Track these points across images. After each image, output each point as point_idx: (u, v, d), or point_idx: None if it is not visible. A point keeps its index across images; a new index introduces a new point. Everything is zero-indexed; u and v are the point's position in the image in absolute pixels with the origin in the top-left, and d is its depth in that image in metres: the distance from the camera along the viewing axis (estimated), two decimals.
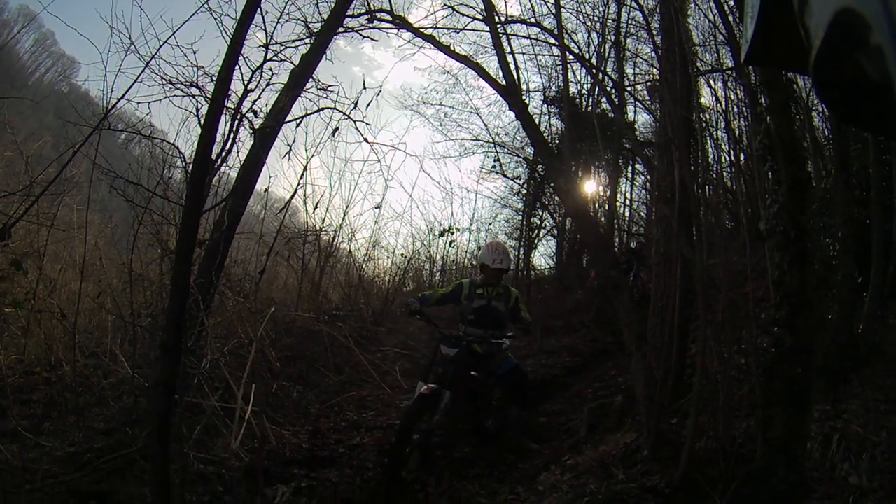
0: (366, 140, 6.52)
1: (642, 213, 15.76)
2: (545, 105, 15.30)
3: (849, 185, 6.02)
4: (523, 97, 6.57)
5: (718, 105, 12.57)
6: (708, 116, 12.95)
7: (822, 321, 5.20)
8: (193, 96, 5.11)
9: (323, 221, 10.21)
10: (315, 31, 6.39)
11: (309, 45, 6.28)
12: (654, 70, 11.85)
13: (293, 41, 6.04)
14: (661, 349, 4.51)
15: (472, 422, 5.72)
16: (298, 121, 6.30)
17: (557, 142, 14.16)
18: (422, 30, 6.90)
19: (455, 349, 5.52)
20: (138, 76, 4.64)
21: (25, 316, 5.97)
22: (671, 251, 4.82)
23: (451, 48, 6.61)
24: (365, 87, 6.11)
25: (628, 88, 13.85)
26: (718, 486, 3.46)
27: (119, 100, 4.78)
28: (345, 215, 10.83)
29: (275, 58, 5.07)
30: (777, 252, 3.70)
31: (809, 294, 3.54)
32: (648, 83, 13.07)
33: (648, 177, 13.19)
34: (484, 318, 5.86)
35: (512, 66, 6.14)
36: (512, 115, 6.40)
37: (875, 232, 5.46)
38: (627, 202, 16.74)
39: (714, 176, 10.98)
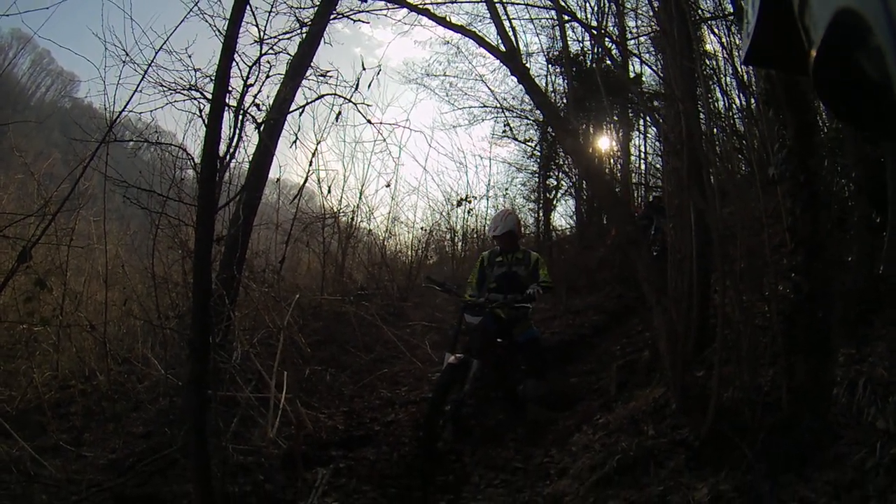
0: (369, 122, 6.51)
1: (658, 166, 15.57)
2: (549, 65, 15.17)
3: None
4: (524, 62, 6.52)
5: (724, 51, 12.38)
6: (715, 63, 12.78)
7: (842, 264, 5.14)
8: (195, 98, 5.16)
9: (340, 203, 10.29)
10: (305, 21, 6.37)
11: (304, 35, 6.29)
12: (654, 23, 11.68)
13: (286, 33, 6.02)
14: (681, 302, 4.51)
15: (501, 389, 5.79)
16: (300, 110, 6.32)
17: (565, 101, 13.99)
18: (417, 4, 6.82)
19: (478, 317, 5.55)
20: (137, 86, 4.71)
21: (55, 332, 6.08)
22: (684, 203, 4.80)
23: (448, 19, 6.53)
24: (364, 69, 6.07)
25: (631, 42, 13.69)
26: (746, 436, 3.48)
27: (121, 112, 4.85)
28: (361, 195, 10.90)
29: (270, 51, 5.08)
30: (789, 198, 3.66)
31: (824, 238, 3.50)
32: (652, 34, 12.90)
33: (656, 131, 13.05)
34: (505, 284, 5.89)
35: (510, 32, 6.07)
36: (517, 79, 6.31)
37: (889, 170, 5.37)
38: (642, 155, 16.59)
39: (724, 123, 10.83)
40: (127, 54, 5.22)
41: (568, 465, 4.34)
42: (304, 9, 6.64)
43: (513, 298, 5.68)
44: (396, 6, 7.16)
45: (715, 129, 6.72)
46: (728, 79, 12.83)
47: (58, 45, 5.96)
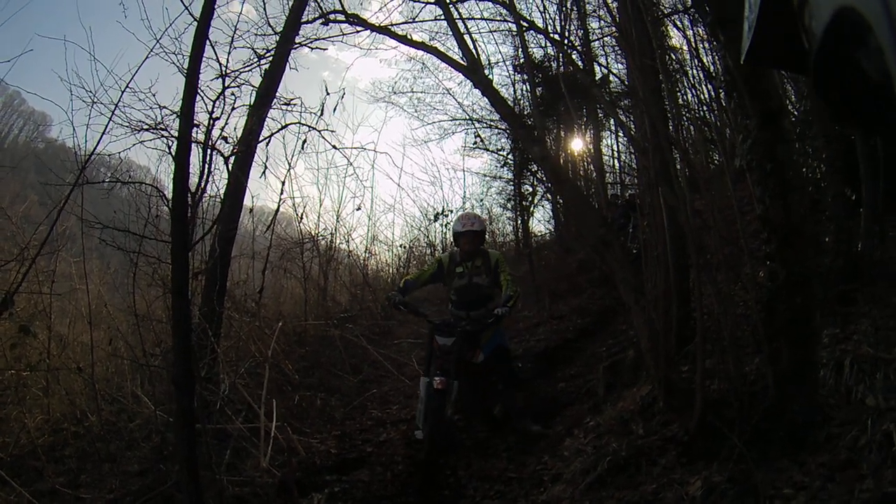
0: (335, 147, 6.59)
1: (632, 164, 15.71)
2: (516, 73, 15.27)
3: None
4: (488, 72, 6.60)
5: (689, 45, 12.54)
6: (681, 56, 12.93)
7: (819, 246, 5.19)
8: (163, 137, 5.17)
9: (317, 226, 10.32)
10: (262, 54, 6.43)
11: (267, 66, 6.33)
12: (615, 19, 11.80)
13: (245, 67, 6.08)
14: (659, 300, 4.54)
15: (479, 410, 5.76)
16: (266, 140, 6.36)
17: (532, 108, 14.11)
18: (377, 24, 6.88)
19: (450, 338, 5.32)
20: (105, 129, 4.73)
21: (44, 376, 6.06)
22: (655, 201, 4.84)
23: (409, 36, 6.61)
24: (329, 93, 6.16)
25: (596, 42, 13.82)
26: (735, 426, 3.51)
27: (91, 155, 4.87)
28: (338, 217, 10.93)
29: (233, 84, 5.11)
30: (758, 186, 3.71)
31: (797, 224, 3.53)
32: (614, 35, 13.03)
33: (623, 131, 13.17)
34: (466, 297, 5.79)
35: (471, 45, 6.12)
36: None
37: (859, 147, 5.42)
38: (615, 154, 16.71)
39: (693, 116, 10.95)
40: (93, 95, 5.22)
41: (561, 471, 4.36)
42: (265, 35, 6.73)
43: (479, 317, 5.61)
44: (356, 31, 7.22)
45: (685, 123, 6.78)
46: (695, 71, 12.99)
47: (30, 82, 5.95)
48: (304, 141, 6.76)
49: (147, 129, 5.15)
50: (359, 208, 10.98)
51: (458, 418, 5.37)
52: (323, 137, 6.31)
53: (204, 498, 3.37)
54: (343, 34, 7.37)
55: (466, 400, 5.50)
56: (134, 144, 5.32)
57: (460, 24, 6.57)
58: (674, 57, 12.60)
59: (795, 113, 8.93)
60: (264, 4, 7.09)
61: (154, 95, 5.33)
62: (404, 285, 5.68)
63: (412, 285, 5.73)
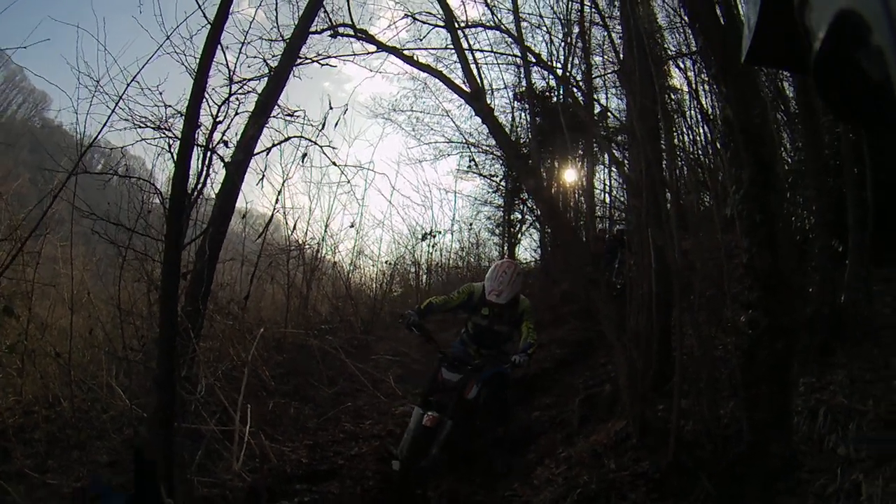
0: (334, 163, 6.61)
1: (622, 199, 15.83)
2: (515, 101, 15.40)
3: (820, 156, 6.01)
4: (489, 98, 6.67)
5: (689, 87, 12.67)
6: (680, 96, 13.07)
7: (803, 295, 5.24)
8: (164, 137, 5.20)
9: (305, 235, 10.30)
10: (273, 65, 6.46)
11: (270, 74, 6.36)
12: (619, 59, 11.94)
13: (255, 77, 6.11)
14: (640, 338, 4.59)
15: (466, 446, 5.44)
16: (267, 151, 6.39)
17: (529, 136, 14.30)
18: (385, 43, 6.96)
19: (458, 375, 5.09)
20: (106, 120, 4.75)
21: (20, 357, 6.01)
22: (643, 240, 4.90)
23: (415, 58, 6.68)
24: (332, 108, 6.19)
25: (597, 78, 13.96)
26: (707, 467, 3.56)
27: (90, 145, 4.87)
28: (326, 228, 10.91)
29: (240, 90, 5.15)
30: (745, 237, 3.79)
31: (782, 274, 3.60)
32: (616, 71, 13.18)
33: (616, 168, 13.28)
34: (482, 338, 5.54)
35: (476, 72, 6.21)
36: None
37: (850, 201, 5.46)
38: (607, 189, 16.82)
39: (684, 157, 11.05)
40: (98, 84, 5.25)
41: (530, 499, 4.39)
42: (273, 41, 6.75)
43: (490, 357, 5.38)
44: (366, 51, 7.27)
45: (680, 164, 6.84)
46: (693, 112, 13.11)
47: (34, 58, 5.97)
48: (305, 155, 6.77)
49: (150, 127, 5.18)
50: (352, 225, 11.01)
51: (444, 458, 5.03)
52: (324, 153, 6.35)
53: (174, 496, 3.35)
54: (354, 55, 7.42)
55: (460, 440, 5.21)
56: (137, 141, 5.34)
57: (468, 53, 6.65)
58: (673, 97, 12.73)
59: (789, 161, 9.05)
60: (276, 9, 7.06)
61: (161, 94, 5.38)
62: (426, 308, 5.37)
63: (435, 309, 5.43)
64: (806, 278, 5.60)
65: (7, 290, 6.06)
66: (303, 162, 6.91)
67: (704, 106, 12.63)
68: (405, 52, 6.68)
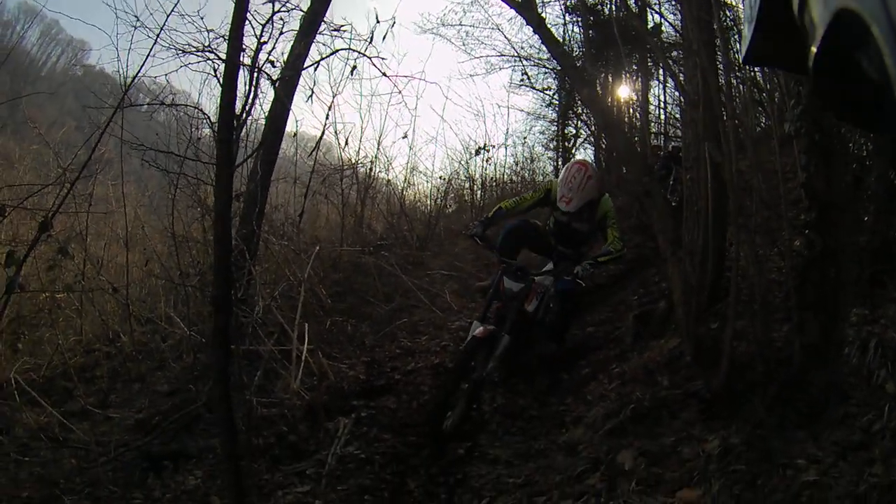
0: (384, 75, 6.47)
1: (677, 115, 15.34)
2: (566, 14, 14.85)
3: None
4: (540, 10, 6.41)
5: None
6: (736, 13, 12.47)
7: (858, 223, 5.06)
8: (209, 60, 5.16)
9: (357, 154, 10.28)
10: None
11: None
12: None
13: None
14: (695, 254, 4.50)
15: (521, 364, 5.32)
16: (315, 65, 6.30)
17: (583, 50, 13.78)
18: None
19: (520, 284, 4.83)
20: (149, 51, 4.69)
21: (78, 297, 6.22)
22: (700, 155, 4.75)
23: None
24: (378, 21, 6.03)
25: None
26: (758, 390, 3.52)
27: (135, 77, 4.87)
28: (379, 146, 10.85)
29: (283, 9, 5.05)
30: (804, 154, 3.65)
31: (838, 196, 3.48)
32: None
33: (673, 80, 12.82)
34: (560, 235, 5.30)
35: None
36: None
37: None
38: (661, 104, 16.29)
39: (744, 76, 10.62)
40: (137, 19, 5.21)
41: (583, 414, 4.40)
42: None
43: (562, 271, 5.01)
44: None
45: (734, 82, 6.55)
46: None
47: (68, 17, 5.97)
48: (354, 68, 6.67)
49: (193, 52, 5.15)
50: (405, 136, 10.81)
51: (496, 376, 4.87)
52: (373, 64, 6.18)
53: (233, 417, 3.47)
54: None
55: (519, 358, 5.11)
56: (179, 67, 5.33)
57: None
58: (728, 14, 12.15)
59: None
60: None
61: (202, 19, 5.32)
62: (494, 214, 5.17)
63: (504, 214, 5.20)
64: (860, 205, 5.39)
65: (62, 235, 6.20)
66: (352, 75, 6.80)
67: None
68: None
